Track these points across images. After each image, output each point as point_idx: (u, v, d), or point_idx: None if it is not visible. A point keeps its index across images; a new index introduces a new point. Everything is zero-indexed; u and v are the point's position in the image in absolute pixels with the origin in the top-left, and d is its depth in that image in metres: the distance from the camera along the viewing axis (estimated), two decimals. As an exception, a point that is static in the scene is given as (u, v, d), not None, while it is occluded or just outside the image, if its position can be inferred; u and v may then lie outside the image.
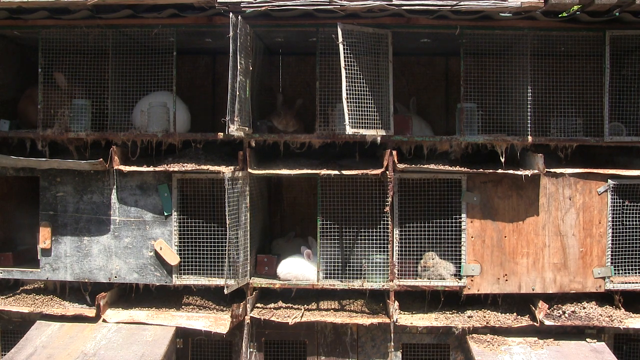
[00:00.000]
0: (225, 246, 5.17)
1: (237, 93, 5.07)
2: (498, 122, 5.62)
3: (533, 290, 5.49)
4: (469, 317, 5.47)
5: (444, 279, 5.49)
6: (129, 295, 5.85)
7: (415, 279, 5.56)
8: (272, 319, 5.44)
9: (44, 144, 5.67)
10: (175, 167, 5.49)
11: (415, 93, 6.70)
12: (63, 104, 5.70)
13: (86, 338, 5.26)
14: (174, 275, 5.56)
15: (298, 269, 5.64)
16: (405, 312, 5.61)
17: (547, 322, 5.30)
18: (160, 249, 5.52)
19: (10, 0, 5.16)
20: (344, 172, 5.42)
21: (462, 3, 5.05)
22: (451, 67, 6.80)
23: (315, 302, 5.77)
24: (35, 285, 5.91)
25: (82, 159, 5.61)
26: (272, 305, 5.69)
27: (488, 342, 5.29)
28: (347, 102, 5.09)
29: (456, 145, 5.62)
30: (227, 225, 5.13)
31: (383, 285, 5.52)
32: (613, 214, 5.46)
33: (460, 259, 5.48)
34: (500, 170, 5.40)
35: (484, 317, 5.47)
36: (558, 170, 5.49)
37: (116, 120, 5.69)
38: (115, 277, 5.60)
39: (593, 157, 6.02)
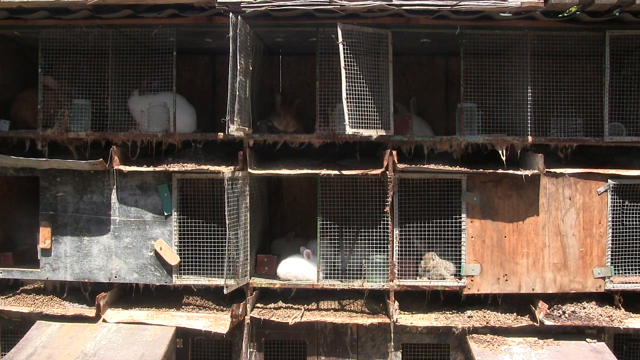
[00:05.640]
0: (225, 246, 5.17)
1: (237, 93, 5.07)
2: (498, 122, 5.62)
3: (533, 290, 5.49)
4: (469, 317, 5.47)
5: (444, 278, 5.49)
6: (129, 295, 5.85)
7: (415, 279, 5.56)
8: (272, 319, 5.44)
9: (44, 144, 5.67)
10: (175, 167, 5.49)
11: (415, 93, 6.69)
12: (62, 104, 5.70)
13: (86, 338, 5.26)
14: (174, 275, 5.56)
15: (298, 269, 5.64)
16: (405, 312, 5.61)
17: (547, 322, 5.30)
18: (160, 249, 5.52)
19: (10, 0, 5.16)
20: (344, 172, 5.42)
21: (462, 3, 5.04)
22: (451, 67, 6.80)
23: (315, 302, 5.77)
24: (35, 285, 5.90)
25: (82, 159, 5.60)
26: (272, 305, 5.68)
27: (488, 342, 5.29)
28: (347, 102, 5.09)
29: (456, 145, 5.62)
30: (227, 225, 5.13)
31: (383, 285, 5.51)
32: (613, 214, 5.46)
33: (460, 259, 5.48)
34: (500, 170, 5.40)
35: (484, 317, 5.47)
36: (558, 170, 5.49)
37: (116, 120, 5.69)
38: (115, 277, 5.60)
39: (593, 157, 6.02)
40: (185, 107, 5.82)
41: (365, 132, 5.25)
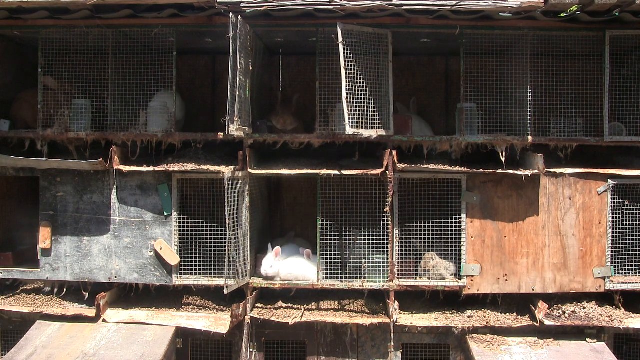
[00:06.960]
0: (225, 246, 5.17)
1: (237, 93, 5.07)
2: (498, 122, 5.62)
3: (533, 290, 5.49)
4: (469, 317, 5.47)
5: (444, 278, 5.49)
6: (129, 295, 5.85)
7: (415, 279, 5.56)
8: (272, 319, 5.44)
9: (44, 144, 5.67)
10: (175, 167, 5.49)
11: (415, 93, 6.69)
12: (62, 104, 5.70)
13: (86, 338, 5.26)
14: (174, 275, 5.56)
15: (298, 269, 5.64)
16: (405, 312, 5.61)
17: (547, 322, 5.30)
18: (160, 249, 5.52)
19: (10, 0, 5.16)
20: (344, 172, 5.42)
21: (462, 3, 5.04)
22: (451, 67, 6.80)
23: (315, 302, 5.77)
24: (35, 285, 5.90)
25: (82, 159, 5.61)
26: (272, 305, 5.68)
27: (488, 342, 5.29)
28: (347, 102, 5.09)
29: (456, 145, 5.62)
30: (227, 225, 5.13)
31: (383, 285, 5.51)
32: (613, 214, 5.46)
33: (460, 259, 5.48)
34: (500, 170, 5.40)
35: (484, 317, 5.47)
36: (558, 170, 5.49)
37: (116, 120, 5.69)
38: (115, 277, 5.60)
39: (593, 157, 6.02)
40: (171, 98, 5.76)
41: (365, 132, 5.25)
